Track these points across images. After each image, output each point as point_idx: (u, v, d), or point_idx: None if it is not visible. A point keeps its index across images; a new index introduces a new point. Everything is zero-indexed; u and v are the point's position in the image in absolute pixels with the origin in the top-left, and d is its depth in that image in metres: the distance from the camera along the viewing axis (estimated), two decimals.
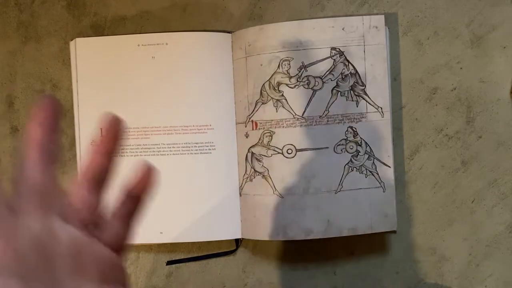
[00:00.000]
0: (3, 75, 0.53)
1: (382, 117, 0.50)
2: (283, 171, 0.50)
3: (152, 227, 0.51)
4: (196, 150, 0.52)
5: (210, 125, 0.52)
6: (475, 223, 0.53)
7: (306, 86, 0.50)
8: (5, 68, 0.53)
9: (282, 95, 0.50)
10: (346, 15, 0.52)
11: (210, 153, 0.52)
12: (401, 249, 0.53)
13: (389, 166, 0.50)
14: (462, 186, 0.53)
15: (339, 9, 0.53)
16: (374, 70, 0.50)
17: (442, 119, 0.53)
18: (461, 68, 0.53)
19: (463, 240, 0.53)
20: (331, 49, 0.50)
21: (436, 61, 0.53)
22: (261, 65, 0.50)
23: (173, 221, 0.52)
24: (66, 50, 0.53)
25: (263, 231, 0.50)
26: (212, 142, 0.52)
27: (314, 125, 0.50)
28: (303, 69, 0.50)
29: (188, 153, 0.52)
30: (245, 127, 0.51)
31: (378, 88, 0.50)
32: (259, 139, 0.51)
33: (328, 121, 0.50)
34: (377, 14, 0.52)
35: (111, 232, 0.28)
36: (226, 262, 0.53)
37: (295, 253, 0.54)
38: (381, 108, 0.50)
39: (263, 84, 0.50)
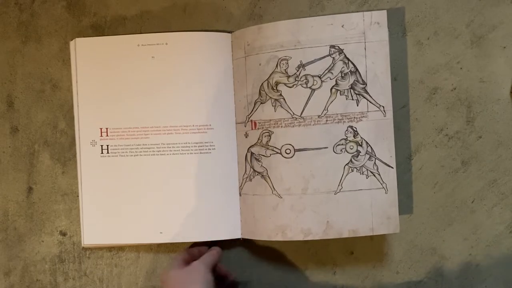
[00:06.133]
0: (3, 75, 0.53)
1: (384, 116, 0.50)
2: (282, 171, 0.50)
3: (152, 227, 0.52)
4: (196, 150, 0.52)
5: (210, 125, 0.52)
6: (475, 223, 0.53)
7: (305, 85, 0.50)
8: (5, 68, 0.53)
9: (280, 94, 0.50)
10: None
11: (210, 153, 0.52)
12: (401, 249, 0.53)
13: (392, 167, 0.50)
14: (462, 186, 0.53)
15: (339, 9, 0.53)
16: (376, 67, 0.49)
17: (442, 119, 0.53)
18: (461, 68, 0.53)
19: (463, 240, 0.53)
20: (330, 47, 0.49)
21: (436, 61, 0.53)
22: (260, 64, 0.50)
23: (173, 221, 0.52)
24: (66, 50, 0.53)
25: (262, 231, 0.50)
26: (212, 142, 0.52)
27: (313, 124, 0.50)
28: (301, 68, 0.49)
29: (188, 153, 0.52)
30: (245, 126, 0.51)
31: (380, 86, 0.49)
32: (258, 139, 0.50)
33: (327, 120, 0.50)
34: (379, 10, 0.51)
35: None
36: (226, 262, 0.53)
37: (295, 253, 0.54)
38: (383, 107, 0.49)
39: (262, 83, 0.50)
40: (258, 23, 0.53)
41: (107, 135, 0.52)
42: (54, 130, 0.54)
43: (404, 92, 0.53)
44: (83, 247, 0.53)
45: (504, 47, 0.52)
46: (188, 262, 0.47)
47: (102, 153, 0.52)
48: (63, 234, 0.54)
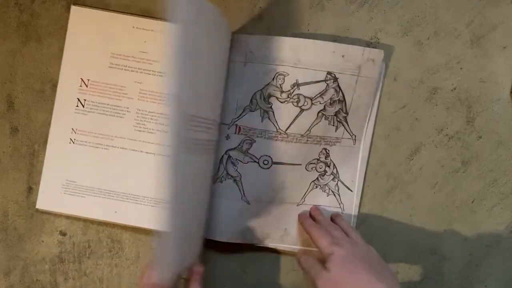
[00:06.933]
0: (3, 75, 0.53)
1: (354, 144, 0.52)
2: (256, 179, 0.51)
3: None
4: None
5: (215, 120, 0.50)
6: (475, 223, 0.53)
7: (295, 104, 0.51)
8: (5, 68, 0.53)
9: (271, 107, 0.51)
10: (348, 39, 0.52)
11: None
12: (401, 249, 0.53)
13: (351, 191, 0.52)
14: (462, 186, 0.53)
15: (339, 9, 0.53)
16: (360, 101, 0.51)
17: (442, 119, 0.53)
18: (461, 68, 0.53)
19: (463, 240, 0.53)
20: (327, 74, 0.50)
21: (436, 61, 0.53)
22: (257, 73, 0.51)
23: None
24: None
25: (222, 233, 0.51)
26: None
27: (294, 142, 0.51)
28: (295, 87, 0.50)
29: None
30: (228, 129, 0.51)
31: (358, 118, 0.52)
32: (239, 144, 0.51)
33: (307, 140, 0.51)
34: (376, 48, 0.51)
35: None
36: (226, 262, 0.54)
37: (295, 253, 0.54)
38: (355, 136, 0.52)
39: (255, 92, 0.51)
40: (258, 23, 0.53)
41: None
42: None
43: (404, 92, 0.53)
44: (37, 209, 0.52)
45: (504, 47, 0.52)
46: None
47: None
48: (63, 234, 0.54)
